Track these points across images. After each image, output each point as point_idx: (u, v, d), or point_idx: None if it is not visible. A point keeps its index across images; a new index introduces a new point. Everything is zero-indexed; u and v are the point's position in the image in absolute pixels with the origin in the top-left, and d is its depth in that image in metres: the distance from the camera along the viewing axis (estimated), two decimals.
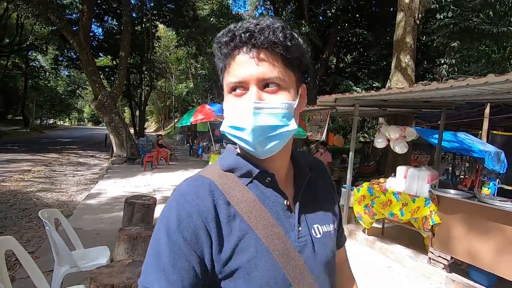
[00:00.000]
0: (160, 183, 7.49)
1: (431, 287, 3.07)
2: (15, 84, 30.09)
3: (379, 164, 7.70)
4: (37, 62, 30.10)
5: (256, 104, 0.54)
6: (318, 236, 0.63)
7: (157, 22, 20.35)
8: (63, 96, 38.39)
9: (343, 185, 4.92)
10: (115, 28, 19.34)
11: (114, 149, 11.55)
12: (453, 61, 11.18)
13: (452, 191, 3.21)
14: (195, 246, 0.52)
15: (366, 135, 17.15)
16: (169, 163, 11.24)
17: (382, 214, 3.83)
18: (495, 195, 4.61)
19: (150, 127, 48.07)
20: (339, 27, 13.32)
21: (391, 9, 13.86)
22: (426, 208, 3.27)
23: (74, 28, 12.36)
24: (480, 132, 7.59)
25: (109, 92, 11.54)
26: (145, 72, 22.02)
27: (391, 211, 3.69)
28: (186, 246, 0.52)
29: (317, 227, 0.64)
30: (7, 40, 24.23)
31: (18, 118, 31.18)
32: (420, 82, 3.41)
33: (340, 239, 0.76)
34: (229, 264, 0.54)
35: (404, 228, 3.85)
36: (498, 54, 12.15)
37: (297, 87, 0.60)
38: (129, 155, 11.19)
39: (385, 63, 13.08)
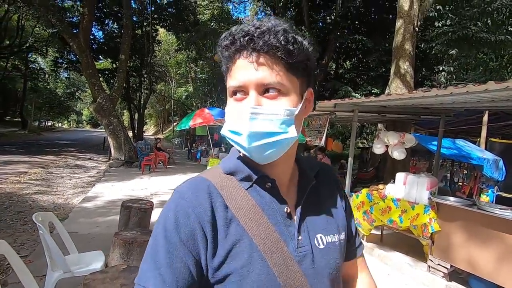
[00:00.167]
0: (157, 187, 7.44)
1: None
2: (14, 85, 30.07)
3: (378, 170, 7.69)
4: (36, 64, 30.14)
5: (252, 110, 0.52)
6: (321, 246, 0.60)
7: (158, 26, 20.44)
8: (62, 98, 38.36)
9: None
10: (116, 31, 19.41)
11: (112, 152, 11.50)
12: (452, 68, 11.26)
13: (451, 198, 3.19)
14: (191, 248, 0.52)
15: (364, 141, 17.16)
16: (167, 166, 11.18)
17: (381, 220, 3.79)
18: (494, 202, 4.59)
19: (149, 131, 48.01)
20: (338, 33, 13.42)
21: (390, 16, 14.03)
22: (425, 215, 3.24)
23: (75, 31, 12.38)
24: (478, 139, 7.61)
25: (108, 95, 11.53)
26: (145, 76, 22.03)
27: (390, 218, 3.66)
28: (183, 247, 0.51)
29: (321, 237, 0.61)
30: (7, 42, 24.27)
31: (16, 119, 31.11)
32: (420, 89, 3.41)
33: (350, 249, 0.71)
34: (222, 269, 0.53)
35: (403, 235, 3.82)
36: (496, 62, 12.27)
37: (301, 91, 0.58)
38: (127, 158, 11.13)
39: (384, 69, 13.17)
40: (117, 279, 1.72)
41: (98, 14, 17.02)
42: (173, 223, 0.53)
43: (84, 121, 75.50)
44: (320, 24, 15.85)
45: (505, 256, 2.65)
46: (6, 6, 18.28)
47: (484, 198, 5.49)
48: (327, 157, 7.30)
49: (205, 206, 0.54)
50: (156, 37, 21.26)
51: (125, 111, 40.74)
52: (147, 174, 9.37)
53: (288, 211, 0.59)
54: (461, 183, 8.39)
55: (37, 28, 23.81)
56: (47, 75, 30.51)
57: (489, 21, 10.40)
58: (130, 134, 18.01)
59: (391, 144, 3.87)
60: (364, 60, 15.19)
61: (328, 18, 14.51)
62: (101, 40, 19.72)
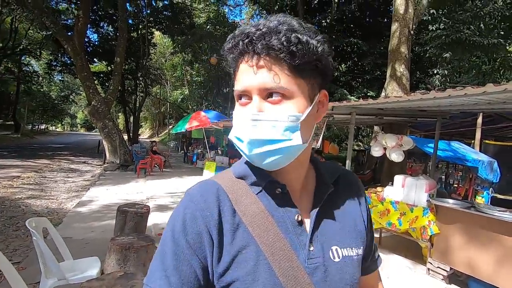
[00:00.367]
0: (153, 191, 7.36)
1: None
2: (7, 88, 29.63)
3: (375, 173, 7.72)
4: (30, 67, 29.82)
5: (253, 116, 0.50)
6: (336, 260, 0.56)
7: (153, 29, 20.40)
8: (56, 102, 37.98)
9: None
10: (111, 34, 19.32)
11: (107, 155, 11.38)
12: (446, 71, 11.39)
13: (450, 200, 3.19)
14: (198, 251, 0.51)
15: (360, 143, 17.24)
16: (163, 170, 11.09)
17: (380, 223, 3.78)
18: (489, 204, 4.63)
19: (144, 134, 47.72)
20: (333, 36, 13.51)
21: (385, 19, 14.19)
22: (424, 217, 3.24)
23: (69, 33, 12.28)
24: (473, 141, 7.69)
25: (103, 98, 11.43)
26: (140, 78, 21.93)
27: (389, 220, 3.66)
28: (189, 250, 0.51)
29: (336, 249, 0.57)
30: (0, 45, 23.97)
31: (9, 123, 30.64)
32: (418, 91, 3.42)
33: (367, 264, 0.67)
34: (226, 275, 0.51)
35: (402, 238, 3.81)
36: (489, 65, 12.44)
37: (311, 94, 0.54)
38: (122, 162, 11.02)
39: (379, 72, 13.27)
40: (113, 287, 1.67)
41: (93, 17, 16.92)
42: (181, 226, 0.52)
43: (78, 124, 74.85)
44: (316, 28, 15.95)
45: (504, 258, 2.65)
46: (0, 8, 18.08)
47: (479, 199, 5.54)
48: (324, 160, 7.29)
49: (212, 209, 0.53)
50: (151, 40, 21.20)
51: (120, 114, 40.49)
52: (142, 178, 9.27)
53: (300, 219, 0.56)
54: (456, 185, 8.45)
55: (31, 31, 23.57)
56: (40, 78, 30.21)
57: (481, 25, 10.57)
58: (125, 137, 17.88)
59: (389, 146, 3.87)
60: (360, 63, 15.30)
61: (323, 21, 14.60)
62: (96, 43, 19.61)
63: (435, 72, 11.93)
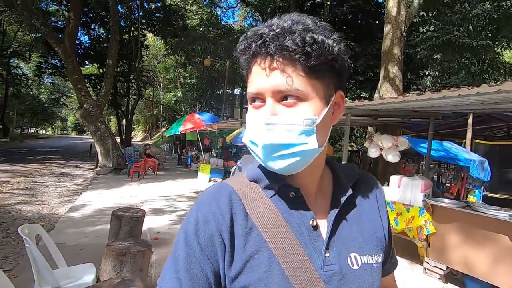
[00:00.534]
0: (148, 194, 7.26)
1: None
2: None
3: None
4: (19, 70, 29.23)
5: (266, 120, 0.49)
6: (355, 267, 0.53)
7: (146, 31, 20.26)
8: (46, 105, 37.28)
9: None
10: (102, 36, 19.12)
11: (100, 159, 11.21)
12: (437, 72, 11.58)
13: (446, 200, 3.23)
14: (209, 254, 0.51)
15: (353, 144, 17.39)
16: (157, 173, 10.97)
17: None
18: (481, 202, 4.70)
19: (137, 136, 47.22)
20: None
21: (376, 22, 14.37)
22: (420, 217, 3.26)
23: (60, 36, 12.10)
24: (464, 141, 7.81)
25: (95, 101, 11.29)
26: (133, 81, 21.73)
27: None
28: (201, 252, 0.51)
29: (355, 256, 0.54)
30: None
31: None
32: (413, 92, 3.46)
33: (385, 267, 0.65)
34: (238, 280, 0.50)
35: (398, 238, 3.83)
36: (478, 66, 12.71)
37: (327, 95, 0.52)
38: (115, 165, 10.87)
39: (371, 73, 13.42)
40: None
41: (84, 19, 16.72)
42: (193, 228, 0.52)
43: (69, 128, 73.67)
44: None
45: (500, 256, 2.69)
46: None
47: (471, 198, 5.63)
48: None
49: (224, 213, 0.52)
50: (144, 42, 21.05)
51: (112, 117, 40.02)
52: (136, 181, 9.15)
53: (315, 223, 0.54)
54: (448, 184, 8.57)
55: (20, 33, 23.15)
56: (30, 81, 29.64)
57: (470, 26, 10.79)
58: (118, 140, 17.68)
59: (385, 147, 3.90)
60: (352, 65, 15.43)
61: None
62: (87, 45, 19.37)
63: (426, 73, 12.12)
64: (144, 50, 21.64)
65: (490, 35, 11.54)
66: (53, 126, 62.58)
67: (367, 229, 0.58)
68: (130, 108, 23.29)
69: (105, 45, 17.05)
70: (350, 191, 0.58)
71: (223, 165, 10.29)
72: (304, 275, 0.50)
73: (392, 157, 3.85)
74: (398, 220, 3.52)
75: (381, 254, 0.58)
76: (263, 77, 0.49)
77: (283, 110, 0.49)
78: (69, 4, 12.75)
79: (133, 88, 22.76)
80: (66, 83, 32.39)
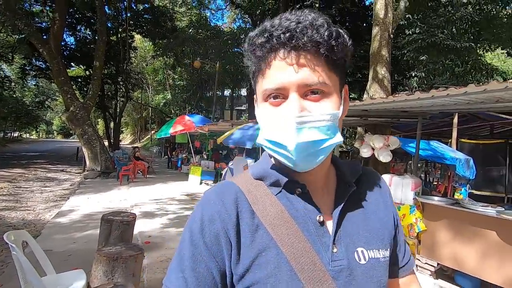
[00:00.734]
0: (138, 198, 7.14)
1: None
2: None
3: None
4: (1, 72, 28.31)
5: (298, 119, 0.47)
6: (362, 262, 0.53)
7: (134, 33, 19.98)
8: (30, 108, 36.17)
9: None
10: (89, 37, 18.73)
11: (87, 162, 10.97)
12: (423, 74, 11.87)
13: (436, 197, 3.29)
14: (215, 253, 0.51)
15: (343, 144, 17.60)
16: (147, 176, 10.81)
17: None
18: (468, 199, 4.82)
19: (126, 139, 46.41)
20: None
21: (364, 24, 14.63)
22: (411, 215, 3.32)
23: (44, 37, 11.79)
24: (450, 140, 8.02)
25: (82, 103, 11.06)
26: (121, 83, 21.36)
27: None
28: (207, 251, 0.50)
29: (362, 251, 0.54)
30: None
31: None
32: (403, 92, 3.53)
33: (400, 266, 0.65)
34: (246, 277, 0.50)
35: None
36: (461, 68, 13.10)
37: (341, 90, 0.54)
38: (104, 169, 10.65)
39: (360, 75, 13.63)
40: None
41: (70, 20, 16.34)
42: (198, 227, 0.52)
43: (54, 131, 71.80)
44: None
45: (488, 252, 2.76)
46: None
47: (458, 196, 5.77)
48: None
49: (230, 211, 0.52)
50: (132, 43, 20.74)
51: (99, 120, 39.22)
52: (125, 185, 8.99)
53: (322, 219, 0.54)
54: (436, 183, 8.77)
55: (2, 34, 22.43)
56: (13, 83, 28.76)
57: (454, 29, 11.12)
58: (106, 143, 17.34)
59: (377, 147, 3.95)
60: None
61: None
62: (73, 46, 18.94)
63: (413, 74, 12.40)
64: (132, 52, 21.34)
65: (472, 37, 11.93)
66: (37, 130, 60.78)
67: (373, 223, 0.58)
68: (118, 110, 22.90)
69: (91, 46, 16.70)
70: (353, 187, 0.58)
71: (214, 167, 10.22)
72: (313, 271, 0.49)
73: (384, 157, 3.90)
74: None
75: (388, 249, 0.58)
76: (288, 71, 0.48)
77: (311, 106, 0.49)
78: (53, 4, 12.45)
79: (121, 90, 22.37)
80: (51, 86, 31.54)
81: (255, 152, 9.24)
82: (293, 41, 0.47)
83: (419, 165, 9.55)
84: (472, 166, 6.44)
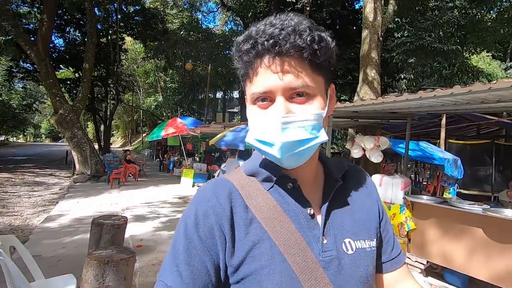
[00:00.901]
0: (129, 201, 7.05)
1: None
2: None
3: None
4: None
5: (283, 119, 0.50)
6: (350, 252, 0.56)
7: (124, 35, 19.78)
8: (17, 111, 35.33)
9: None
10: (78, 39, 18.46)
11: (77, 166, 10.78)
12: (411, 76, 12.11)
13: (424, 197, 3.36)
14: (209, 246, 0.52)
15: (335, 146, 17.75)
16: (138, 179, 10.68)
17: None
18: (456, 197, 4.92)
19: (116, 142, 45.76)
20: None
21: (354, 27, 14.86)
22: (401, 214, 3.38)
23: (32, 38, 11.57)
24: (438, 141, 8.19)
25: (71, 106, 10.88)
26: (111, 85, 21.09)
27: None
28: (201, 245, 0.52)
29: (349, 241, 0.57)
30: None
31: None
32: (392, 94, 3.60)
33: (390, 259, 0.65)
34: (240, 270, 0.52)
35: None
36: (448, 70, 13.42)
37: (326, 89, 0.56)
38: (94, 173, 10.48)
39: (350, 77, 13.81)
40: None
41: (58, 21, 16.08)
42: (193, 222, 0.53)
43: (43, 135, 70.23)
44: None
45: (475, 249, 2.83)
46: None
47: (447, 195, 5.89)
48: None
49: (224, 206, 0.54)
50: (122, 45, 20.53)
51: (89, 123, 38.60)
52: (116, 188, 8.86)
53: (312, 212, 0.57)
54: (425, 183, 8.92)
55: None
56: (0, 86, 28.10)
57: (441, 32, 11.40)
58: (96, 146, 17.06)
59: (368, 148, 4.02)
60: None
61: None
62: (62, 48, 18.63)
63: (402, 76, 12.63)
64: (122, 54, 21.13)
65: (458, 40, 12.25)
66: (25, 133, 59.42)
67: (359, 215, 0.61)
68: (108, 113, 22.55)
69: (81, 48, 16.47)
70: (340, 182, 0.61)
71: (207, 169, 10.18)
72: (305, 261, 0.52)
73: (375, 158, 3.97)
74: None
75: (374, 239, 0.61)
76: (273, 76, 0.50)
77: (296, 108, 0.51)
78: (42, 6, 12.25)
79: (111, 92, 22.08)
80: (39, 88, 30.97)
81: (247, 154, 9.24)
82: (277, 47, 0.49)
83: (409, 165, 9.73)
84: (460, 166, 6.58)
